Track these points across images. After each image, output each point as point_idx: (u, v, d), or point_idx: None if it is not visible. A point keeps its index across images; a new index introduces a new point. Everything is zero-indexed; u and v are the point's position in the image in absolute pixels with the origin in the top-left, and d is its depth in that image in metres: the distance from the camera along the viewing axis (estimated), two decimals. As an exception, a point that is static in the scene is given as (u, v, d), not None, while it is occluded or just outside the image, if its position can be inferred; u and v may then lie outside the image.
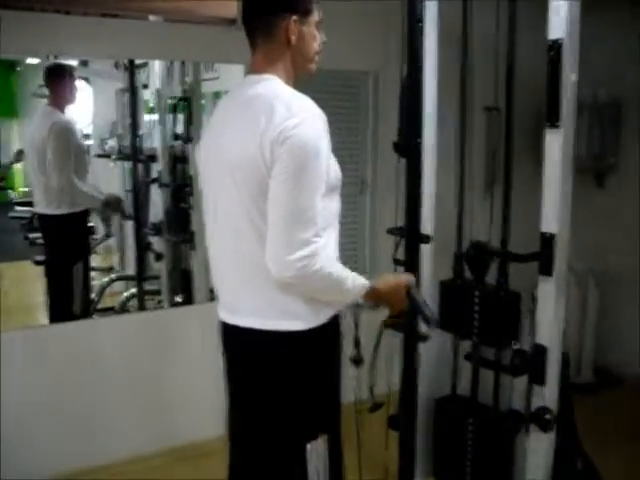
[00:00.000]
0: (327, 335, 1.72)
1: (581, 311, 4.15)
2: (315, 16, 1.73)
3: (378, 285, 1.75)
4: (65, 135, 3.21)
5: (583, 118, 3.90)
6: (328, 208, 1.64)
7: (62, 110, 3.21)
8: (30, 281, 3.44)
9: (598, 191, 4.19)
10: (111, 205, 3.54)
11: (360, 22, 3.39)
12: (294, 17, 1.66)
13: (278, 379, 1.70)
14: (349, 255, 3.80)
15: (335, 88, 3.62)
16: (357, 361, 1.85)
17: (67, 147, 3.20)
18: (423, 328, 1.88)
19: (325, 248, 1.60)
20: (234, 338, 1.78)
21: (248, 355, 1.74)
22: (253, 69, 1.71)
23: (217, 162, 1.70)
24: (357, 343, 1.85)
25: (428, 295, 2.38)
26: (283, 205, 1.55)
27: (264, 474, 1.79)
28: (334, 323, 1.74)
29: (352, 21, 3.33)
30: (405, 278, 1.86)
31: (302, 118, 1.54)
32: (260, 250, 1.62)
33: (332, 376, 1.79)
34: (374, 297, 1.74)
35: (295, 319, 1.66)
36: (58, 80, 3.19)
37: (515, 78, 2.14)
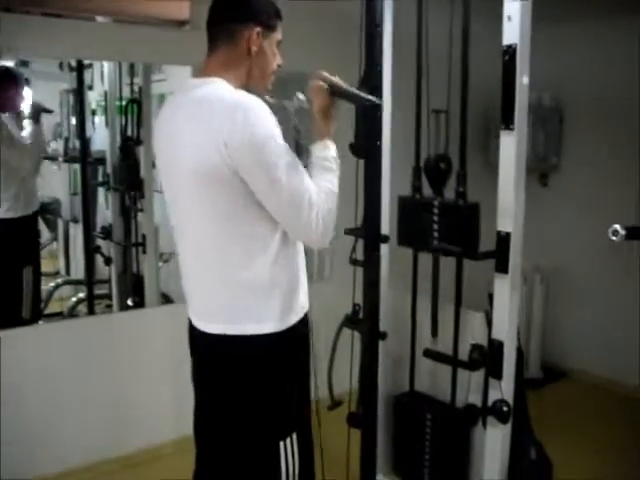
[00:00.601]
0: (295, 336, 1.75)
1: (528, 308, 4.28)
2: (278, 35, 1.76)
3: (319, 126, 1.75)
4: (10, 137, 3.10)
5: (528, 120, 4.03)
6: None
7: (5, 113, 3.09)
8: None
9: (542, 190, 4.34)
10: (51, 206, 3.47)
11: (317, 25, 3.44)
12: (258, 29, 1.69)
13: (250, 381, 1.71)
14: (308, 258, 3.81)
15: (290, 91, 3.63)
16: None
17: (13, 137, 3.09)
18: None
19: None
20: (203, 342, 1.78)
21: (219, 359, 1.75)
22: (202, 72, 1.72)
23: (174, 168, 1.70)
24: None
25: (387, 292, 2.43)
26: (274, 197, 1.59)
27: (237, 474, 1.80)
28: (303, 322, 1.78)
29: (310, 23, 3.38)
30: (317, 84, 1.76)
31: (250, 112, 1.56)
32: (225, 252, 1.64)
33: (301, 375, 1.82)
34: (327, 127, 1.76)
35: (264, 322, 1.68)
36: (3, 84, 3.07)
37: (467, 82, 2.19)
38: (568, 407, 3.93)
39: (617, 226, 1.57)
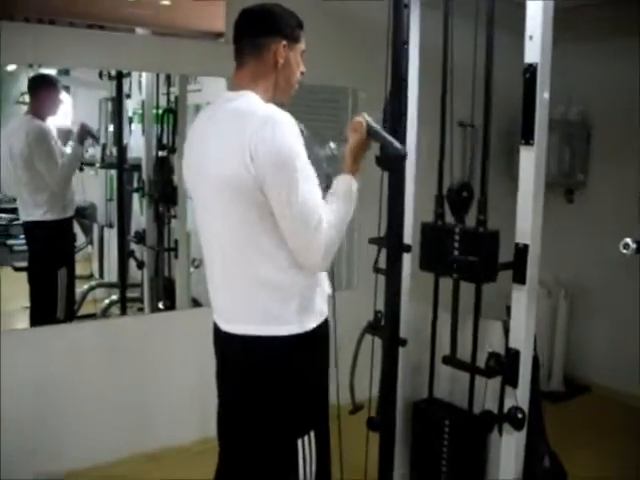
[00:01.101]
0: (316, 339, 1.83)
1: (551, 322, 4.30)
2: (302, 45, 1.86)
3: (349, 161, 1.85)
4: (45, 138, 3.23)
5: (554, 136, 4.08)
6: None
7: (43, 119, 3.22)
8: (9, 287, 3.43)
9: (568, 206, 4.37)
10: (87, 210, 3.58)
11: (343, 41, 3.56)
12: (284, 42, 1.79)
13: (272, 380, 1.79)
14: (337, 267, 3.90)
15: (317, 102, 3.75)
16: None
17: (51, 149, 3.22)
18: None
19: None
20: (228, 343, 1.86)
21: (243, 359, 1.83)
22: (235, 85, 1.82)
23: (203, 178, 1.79)
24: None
25: (407, 300, 2.49)
26: (286, 211, 1.66)
27: (258, 471, 1.87)
28: (322, 328, 1.85)
29: (336, 39, 3.51)
30: (357, 121, 1.87)
31: (279, 128, 1.64)
32: (251, 259, 1.74)
33: (321, 376, 1.90)
34: (356, 165, 1.86)
35: (287, 324, 1.76)
36: (41, 90, 3.20)
37: (492, 97, 2.25)
38: (590, 421, 3.93)
39: (628, 240, 1.63)
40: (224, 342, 1.89)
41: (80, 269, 3.68)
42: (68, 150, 3.33)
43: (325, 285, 1.89)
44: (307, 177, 1.68)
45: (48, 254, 3.36)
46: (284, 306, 1.75)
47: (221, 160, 1.70)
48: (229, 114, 1.74)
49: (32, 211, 3.26)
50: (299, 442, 1.80)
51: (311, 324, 1.80)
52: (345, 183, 1.81)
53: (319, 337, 1.84)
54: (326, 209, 1.71)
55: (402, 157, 1.93)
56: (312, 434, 1.83)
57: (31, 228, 3.29)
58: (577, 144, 4.19)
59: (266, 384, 1.80)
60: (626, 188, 4.06)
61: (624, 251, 1.62)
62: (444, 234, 2.29)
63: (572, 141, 4.17)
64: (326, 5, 3.41)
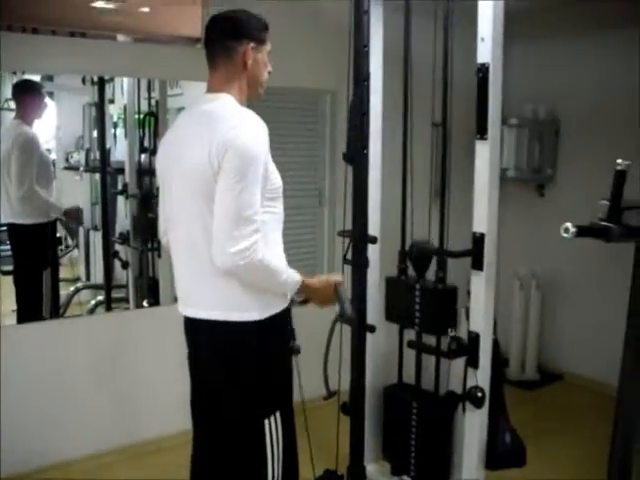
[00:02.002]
0: (279, 324, 1.96)
1: (525, 313, 4.43)
2: (267, 46, 2.00)
3: (310, 281, 1.99)
4: (29, 146, 3.29)
5: (524, 133, 4.22)
6: (274, 214, 1.90)
7: (29, 124, 3.29)
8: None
9: (540, 200, 4.50)
10: (71, 214, 3.65)
11: (317, 44, 3.67)
12: (251, 44, 1.92)
13: (238, 363, 1.91)
14: (309, 258, 4.06)
15: (295, 105, 3.88)
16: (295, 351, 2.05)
17: (30, 158, 3.28)
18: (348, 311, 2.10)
19: (267, 244, 1.82)
20: (196, 329, 1.99)
21: (209, 343, 1.95)
22: (211, 87, 1.95)
23: (174, 171, 1.93)
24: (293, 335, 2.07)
25: (375, 289, 2.62)
26: (226, 205, 1.77)
27: (227, 449, 2.00)
28: (285, 314, 1.98)
29: (310, 43, 3.63)
30: (334, 278, 2.08)
31: (244, 130, 1.79)
32: (210, 244, 1.83)
33: (284, 359, 2.01)
34: (306, 291, 1.99)
35: (251, 310, 1.88)
36: (25, 95, 3.27)
37: (454, 96, 2.39)
38: (563, 408, 4.06)
39: (568, 224, 1.76)
40: (191, 328, 2.02)
41: (67, 272, 3.74)
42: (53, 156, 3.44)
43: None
44: (255, 183, 1.78)
45: (32, 256, 3.43)
46: (245, 293, 1.86)
47: (191, 155, 1.83)
48: (204, 115, 1.87)
49: (15, 214, 3.32)
50: (266, 422, 1.92)
51: (272, 310, 1.92)
52: (292, 275, 1.92)
53: (281, 322, 1.96)
54: (259, 223, 1.80)
55: (349, 319, 2.15)
56: (278, 414, 1.95)
57: (14, 231, 3.35)
58: (547, 140, 4.32)
59: (231, 367, 1.91)
60: (594, 182, 4.15)
61: (565, 235, 1.75)
62: (406, 289, 2.50)
63: (542, 138, 4.29)
64: (304, 6, 3.52)
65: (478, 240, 2.22)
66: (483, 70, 2.15)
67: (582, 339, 4.39)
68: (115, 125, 3.71)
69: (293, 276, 1.92)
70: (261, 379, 1.93)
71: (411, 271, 2.54)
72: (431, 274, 2.47)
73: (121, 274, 3.82)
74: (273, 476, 1.95)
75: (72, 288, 3.72)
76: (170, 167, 1.95)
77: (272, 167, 1.89)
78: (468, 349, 2.27)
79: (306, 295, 2.02)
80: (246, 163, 1.76)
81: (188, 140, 1.87)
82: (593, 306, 4.31)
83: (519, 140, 4.19)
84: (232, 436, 1.98)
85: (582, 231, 1.75)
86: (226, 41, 1.92)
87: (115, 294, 3.77)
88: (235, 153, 1.75)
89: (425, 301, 2.41)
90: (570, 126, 4.36)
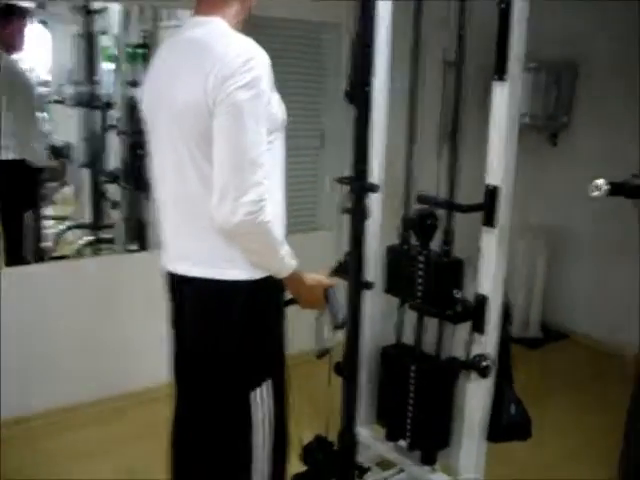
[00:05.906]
0: (270, 285, 1.75)
1: (531, 268, 4.25)
2: None
3: (304, 274, 1.79)
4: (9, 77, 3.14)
5: (541, 77, 3.96)
6: (271, 151, 1.66)
7: (9, 53, 3.11)
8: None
9: (552, 150, 4.27)
10: (56, 173, 3.49)
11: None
12: None
13: (225, 327, 1.74)
14: (309, 207, 3.85)
15: (298, 39, 3.63)
16: None
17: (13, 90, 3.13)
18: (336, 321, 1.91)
19: (270, 200, 1.60)
20: (181, 287, 1.81)
21: (194, 303, 1.78)
22: (200, 9, 1.70)
23: (161, 106, 1.70)
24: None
25: (375, 241, 2.42)
26: (225, 148, 1.55)
27: (208, 421, 1.85)
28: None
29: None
30: (328, 281, 1.90)
31: (243, 60, 1.54)
32: (205, 195, 1.63)
33: (276, 324, 1.84)
34: (294, 285, 1.79)
35: (240, 268, 1.69)
36: (5, 22, 3.08)
37: (472, 32, 2.14)
38: (566, 367, 3.95)
39: (600, 181, 1.54)
40: (175, 284, 1.84)
41: (59, 211, 3.63)
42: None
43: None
44: (258, 119, 1.57)
45: (14, 194, 3.27)
46: (240, 252, 1.67)
47: (181, 92, 1.61)
48: (194, 43, 1.64)
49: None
50: (252, 394, 1.77)
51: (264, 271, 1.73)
52: (291, 262, 1.72)
53: (272, 283, 1.75)
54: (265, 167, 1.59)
55: (340, 324, 1.91)
56: (270, 383, 1.80)
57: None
58: (564, 86, 4.07)
59: (216, 330, 1.75)
60: (610, 130, 3.96)
61: (594, 194, 1.53)
62: (408, 260, 2.25)
63: (559, 83, 4.04)
64: None
65: (491, 193, 2.00)
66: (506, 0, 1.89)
67: (588, 297, 4.25)
68: (109, 58, 3.52)
69: (289, 259, 1.71)
70: (252, 344, 1.76)
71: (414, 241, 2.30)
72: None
73: (113, 214, 3.70)
74: (259, 445, 1.80)
75: (61, 226, 3.61)
76: (155, 108, 1.72)
77: (275, 100, 1.67)
78: (475, 313, 2.08)
79: (290, 290, 1.81)
80: (246, 97, 1.53)
81: (176, 74, 1.63)
82: (603, 262, 4.14)
83: (536, 85, 3.93)
84: (215, 406, 1.82)
85: (616, 189, 1.52)
86: None
87: (104, 234, 3.67)
88: (234, 86, 1.52)
89: (429, 273, 2.18)
90: (588, 72, 4.11)
